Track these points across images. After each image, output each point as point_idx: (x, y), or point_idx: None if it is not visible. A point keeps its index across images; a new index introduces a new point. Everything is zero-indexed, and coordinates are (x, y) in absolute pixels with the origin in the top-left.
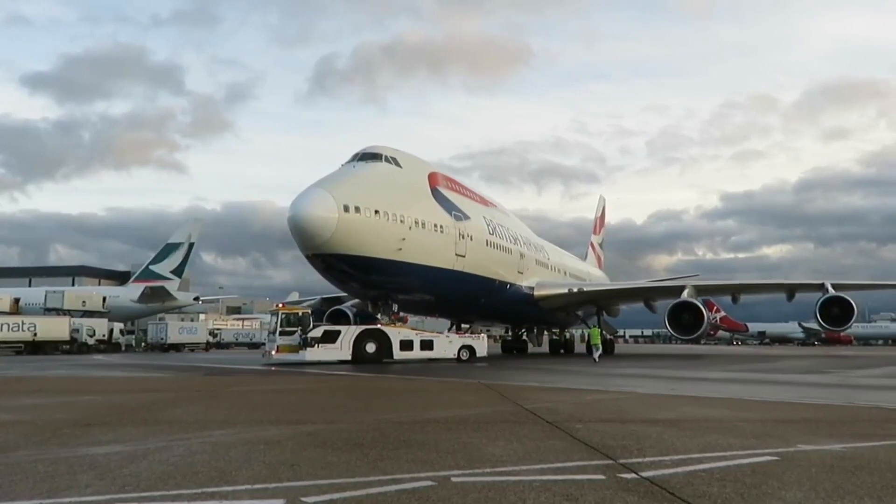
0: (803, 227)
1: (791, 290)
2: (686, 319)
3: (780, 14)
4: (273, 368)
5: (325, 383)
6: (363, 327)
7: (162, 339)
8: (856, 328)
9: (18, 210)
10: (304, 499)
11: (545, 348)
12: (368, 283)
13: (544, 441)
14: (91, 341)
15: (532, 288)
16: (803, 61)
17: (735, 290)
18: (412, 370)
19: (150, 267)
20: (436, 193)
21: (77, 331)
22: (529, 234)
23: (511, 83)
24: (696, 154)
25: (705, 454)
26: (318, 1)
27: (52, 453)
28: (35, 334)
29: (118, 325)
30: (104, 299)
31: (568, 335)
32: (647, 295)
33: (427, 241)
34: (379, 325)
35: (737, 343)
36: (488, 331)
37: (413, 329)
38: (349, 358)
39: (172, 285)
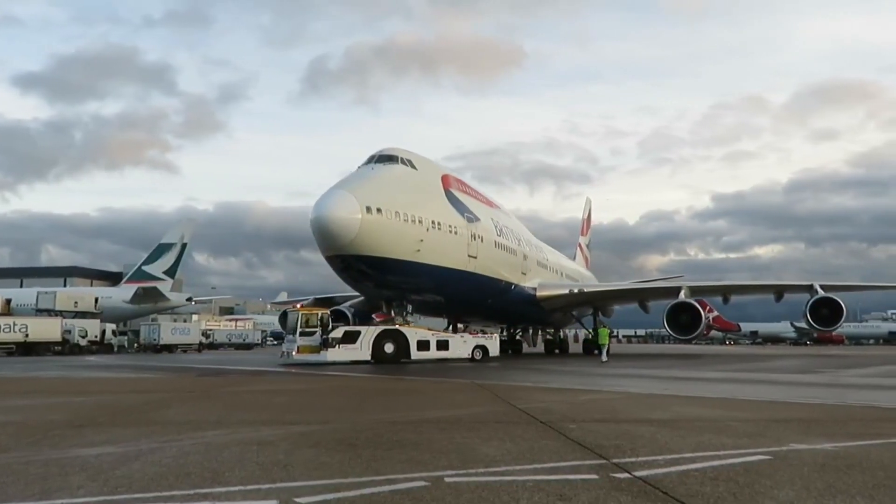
0: (794, 227)
1: (780, 291)
2: (684, 320)
3: (770, 16)
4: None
5: (319, 384)
6: (382, 328)
7: (154, 339)
8: (847, 328)
9: (10, 210)
10: (297, 499)
11: (540, 348)
12: (384, 284)
13: (538, 441)
14: (83, 342)
15: (535, 289)
16: (793, 63)
17: (725, 291)
18: (413, 370)
19: (143, 267)
20: (449, 195)
21: (69, 332)
22: (529, 235)
23: (503, 84)
24: (688, 155)
25: (698, 454)
26: (310, 2)
27: (44, 454)
28: (27, 335)
29: (110, 326)
30: (96, 300)
31: (562, 335)
32: (643, 295)
33: (443, 243)
34: (397, 326)
35: (729, 343)
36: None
37: (429, 329)
38: (369, 358)
39: (165, 286)
